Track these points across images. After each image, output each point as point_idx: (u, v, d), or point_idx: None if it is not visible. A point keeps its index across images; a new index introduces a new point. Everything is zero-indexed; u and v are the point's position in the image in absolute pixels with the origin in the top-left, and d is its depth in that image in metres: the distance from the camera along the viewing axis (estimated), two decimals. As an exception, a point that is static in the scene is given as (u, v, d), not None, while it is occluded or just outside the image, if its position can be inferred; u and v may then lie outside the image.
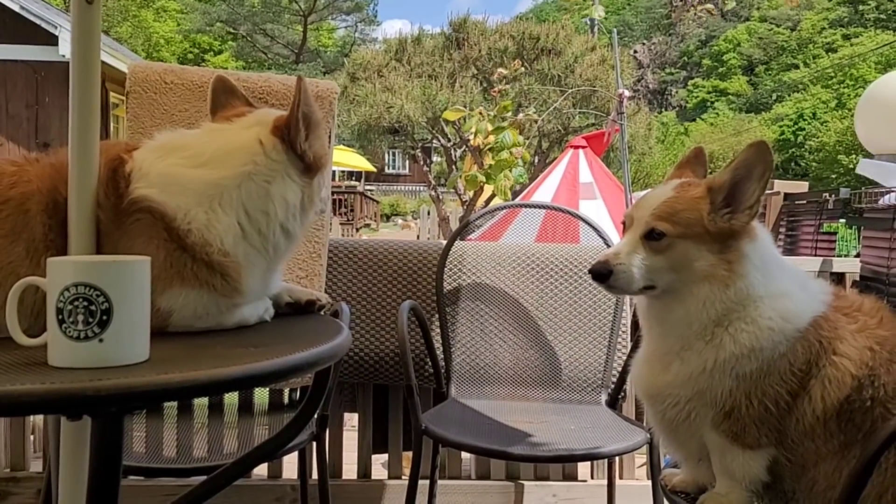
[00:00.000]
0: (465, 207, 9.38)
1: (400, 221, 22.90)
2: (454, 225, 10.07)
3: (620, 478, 2.44)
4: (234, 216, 1.15)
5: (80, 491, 1.11)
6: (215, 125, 1.27)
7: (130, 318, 0.91)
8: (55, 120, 12.69)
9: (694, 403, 1.27)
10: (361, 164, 20.62)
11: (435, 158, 19.15)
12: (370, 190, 28.03)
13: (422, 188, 30.87)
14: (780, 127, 35.19)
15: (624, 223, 1.34)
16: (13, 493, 2.29)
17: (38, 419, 2.38)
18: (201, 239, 1.12)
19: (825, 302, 1.28)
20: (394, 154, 33.33)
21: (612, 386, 2.20)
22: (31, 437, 2.35)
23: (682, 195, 1.28)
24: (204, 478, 1.34)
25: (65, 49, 12.00)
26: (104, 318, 0.88)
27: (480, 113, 3.25)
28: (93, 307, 0.88)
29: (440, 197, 11.12)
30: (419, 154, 11.54)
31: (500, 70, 5.08)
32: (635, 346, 2.09)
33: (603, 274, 1.27)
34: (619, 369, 2.21)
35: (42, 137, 12.22)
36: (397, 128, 10.58)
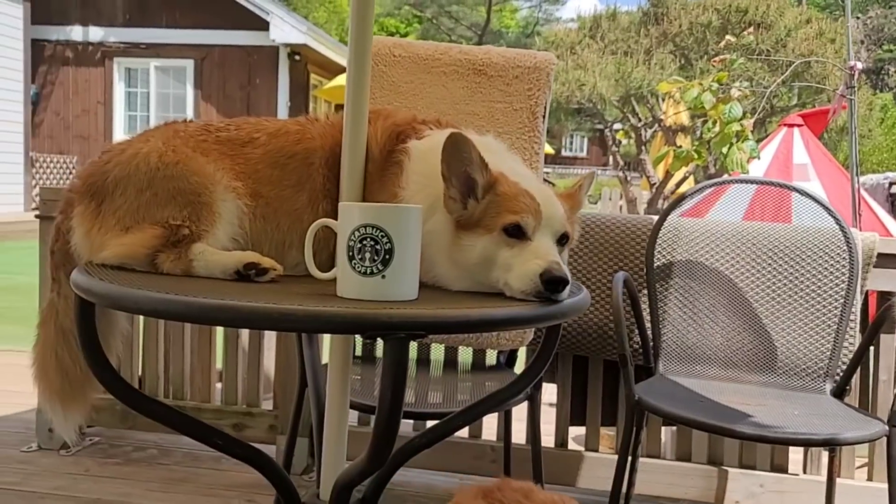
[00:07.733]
0: (653, 190, 9.08)
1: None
2: (641, 208, 9.78)
3: (839, 475, 2.28)
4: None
5: (344, 417, 1.24)
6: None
7: (407, 259, 1.00)
8: (263, 100, 13.85)
9: None
10: (541, 145, 20.53)
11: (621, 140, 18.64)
12: (547, 172, 27.81)
13: (599, 171, 30.26)
14: None
15: None
16: (248, 426, 2.58)
17: (270, 366, 2.64)
18: None
19: None
20: (572, 136, 32.88)
21: (840, 375, 2.06)
22: (263, 379, 2.63)
23: None
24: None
25: (275, 34, 13.03)
26: (387, 256, 0.98)
27: (700, 84, 3.11)
28: (378, 246, 0.98)
29: (628, 179, 10.84)
30: (608, 134, 11.30)
31: (728, 38, 4.79)
32: (871, 336, 1.95)
33: None
34: (847, 358, 2.06)
35: (254, 115, 13.38)
36: (587, 107, 10.42)
